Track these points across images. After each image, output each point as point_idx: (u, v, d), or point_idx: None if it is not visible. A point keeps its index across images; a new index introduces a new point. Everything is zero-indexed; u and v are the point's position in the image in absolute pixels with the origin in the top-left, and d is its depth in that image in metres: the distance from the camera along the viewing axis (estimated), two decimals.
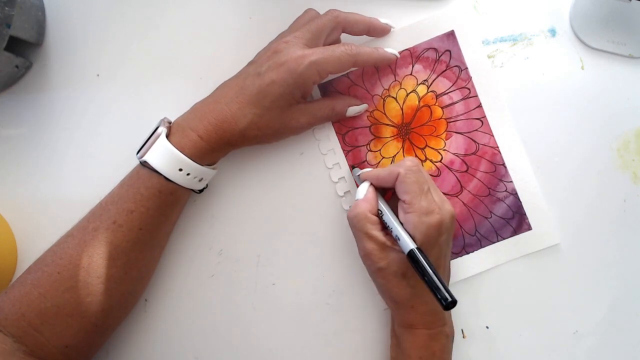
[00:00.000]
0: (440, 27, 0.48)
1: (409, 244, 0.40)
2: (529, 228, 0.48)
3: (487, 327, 0.48)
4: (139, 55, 0.49)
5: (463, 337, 0.48)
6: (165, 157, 0.41)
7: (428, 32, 0.48)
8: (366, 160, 0.49)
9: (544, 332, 0.48)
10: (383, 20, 0.47)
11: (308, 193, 0.49)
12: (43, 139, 0.49)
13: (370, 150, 0.49)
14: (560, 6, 0.48)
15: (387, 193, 0.47)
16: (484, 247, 0.48)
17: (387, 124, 0.49)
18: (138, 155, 0.42)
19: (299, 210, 0.49)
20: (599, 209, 0.48)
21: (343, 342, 0.49)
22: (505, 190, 0.48)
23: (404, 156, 0.49)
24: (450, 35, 0.48)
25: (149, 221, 0.43)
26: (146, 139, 0.43)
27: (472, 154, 0.48)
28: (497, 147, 0.48)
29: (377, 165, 0.49)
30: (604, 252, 0.48)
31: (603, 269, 0.48)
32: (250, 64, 0.45)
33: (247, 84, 0.42)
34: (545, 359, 0.48)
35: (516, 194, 0.48)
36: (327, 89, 0.49)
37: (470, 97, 0.48)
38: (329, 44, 0.45)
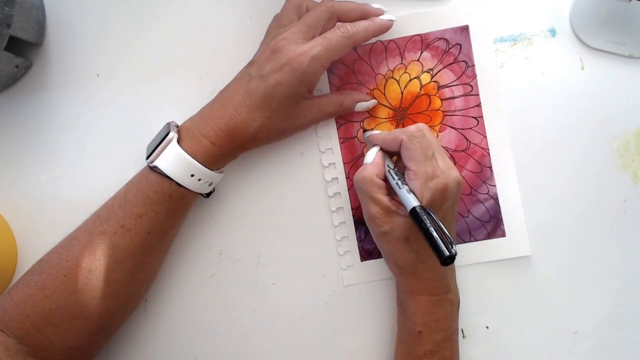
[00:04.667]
0: (456, 19, 0.48)
1: (411, 202, 0.40)
2: (503, 235, 0.48)
3: (487, 327, 0.48)
4: (139, 56, 0.49)
5: (463, 337, 0.48)
6: (177, 163, 0.41)
7: (442, 21, 0.48)
8: (357, 136, 0.49)
9: (544, 332, 0.48)
10: (375, 5, 0.46)
11: (308, 193, 0.49)
12: (43, 139, 0.49)
13: (363, 128, 0.49)
14: (560, 6, 0.48)
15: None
16: (456, 244, 0.48)
17: (385, 105, 0.49)
18: (148, 160, 0.42)
19: (299, 210, 0.49)
20: (598, 209, 0.48)
21: (343, 342, 0.49)
22: (487, 193, 0.48)
23: None
24: (464, 29, 0.48)
25: (158, 225, 0.43)
26: (156, 143, 0.42)
27: (462, 151, 0.48)
28: (488, 149, 0.48)
29: (366, 143, 0.49)
30: (604, 252, 0.48)
31: (603, 269, 0.48)
32: (250, 64, 0.45)
33: (252, 87, 0.42)
34: (545, 359, 0.48)
35: (497, 198, 0.48)
36: (332, 64, 0.48)
37: (472, 94, 0.48)
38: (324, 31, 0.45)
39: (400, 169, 0.43)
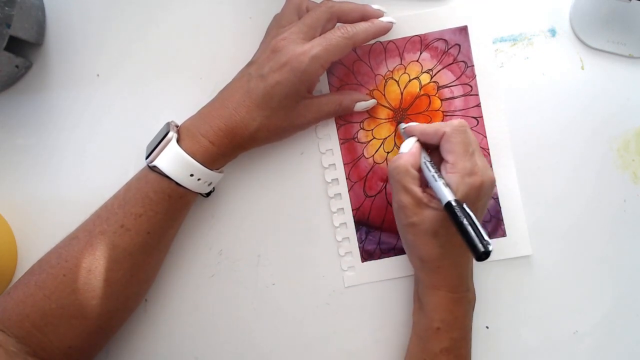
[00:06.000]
0: (455, 20, 0.48)
1: (447, 196, 0.39)
2: (503, 234, 0.48)
3: (487, 327, 0.48)
4: (139, 56, 0.49)
5: None
6: (176, 162, 0.41)
7: (441, 22, 0.48)
8: (357, 137, 0.49)
9: (544, 332, 0.48)
10: (375, 6, 0.46)
11: (308, 193, 0.49)
12: (43, 139, 0.49)
13: (363, 129, 0.49)
14: (560, 6, 0.48)
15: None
16: None
17: (384, 106, 0.49)
18: (147, 160, 0.42)
19: (299, 210, 0.49)
20: (598, 209, 0.48)
21: (343, 342, 0.49)
22: None
23: (395, 140, 0.49)
24: (463, 30, 0.48)
25: (157, 225, 0.43)
26: (156, 143, 0.42)
27: None
28: (488, 149, 0.48)
29: (366, 144, 0.49)
30: (604, 252, 0.48)
31: (603, 268, 0.48)
32: (250, 64, 0.45)
33: (252, 87, 0.42)
34: (545, 359, 0.48)
35: (497, 198, 0.48)
36: (332, 65, 0.47)
37: (471, 94, 0.48)
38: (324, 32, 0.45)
39: (435, 163, 0.43)
